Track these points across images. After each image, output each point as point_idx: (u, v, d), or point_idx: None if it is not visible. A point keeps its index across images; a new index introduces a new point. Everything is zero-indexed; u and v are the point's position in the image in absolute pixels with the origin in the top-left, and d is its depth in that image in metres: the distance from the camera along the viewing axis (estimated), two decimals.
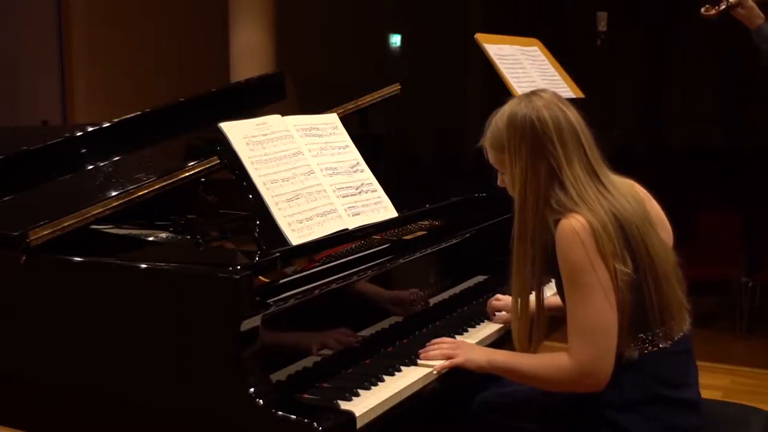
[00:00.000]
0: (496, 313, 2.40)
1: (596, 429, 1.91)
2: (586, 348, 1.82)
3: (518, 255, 1.93)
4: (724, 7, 2.96)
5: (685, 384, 1.94)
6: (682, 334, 1.93)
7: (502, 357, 1.98)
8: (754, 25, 3.00)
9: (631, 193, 1.92)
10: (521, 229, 1.92)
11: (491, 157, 2.00)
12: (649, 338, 1.88)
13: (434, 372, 1.95)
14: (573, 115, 1.92)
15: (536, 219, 1.89)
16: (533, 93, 1.95)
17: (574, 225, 1.81)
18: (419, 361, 1.99)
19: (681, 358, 1.94)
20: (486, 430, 2.06)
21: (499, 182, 2.03)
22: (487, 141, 1.99)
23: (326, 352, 1.94)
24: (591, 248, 1.80)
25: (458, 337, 2.22)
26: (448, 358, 1.98)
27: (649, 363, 1.89)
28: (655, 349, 1.89)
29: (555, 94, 1.96)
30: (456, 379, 2.01)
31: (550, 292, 2.67)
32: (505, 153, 1.92)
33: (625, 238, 1.83)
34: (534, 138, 1.89)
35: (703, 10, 3.02)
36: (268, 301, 1.74)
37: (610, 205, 1.85)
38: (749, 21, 3.00)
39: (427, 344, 2.04)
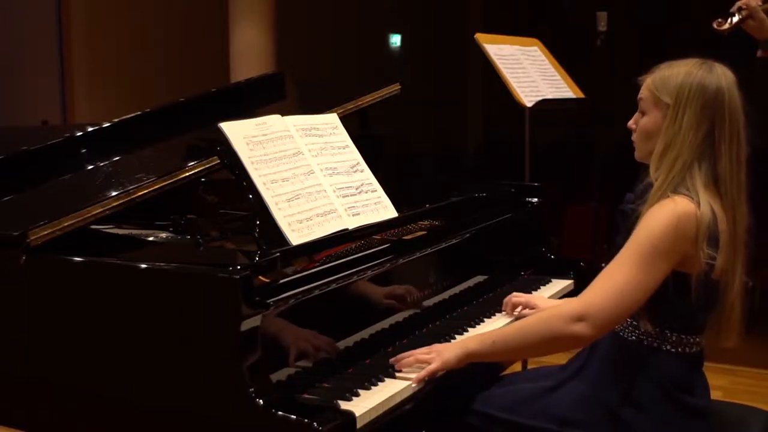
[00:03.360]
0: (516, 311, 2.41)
1: (604, 427, 1.91)
2: (600, 297, 1.82)
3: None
4: (736, 20, 2.94)
5: (696, 390, 1.94)
6: (701, 348, 1.94)
7: (477, 338, 1.97)
8: (764, 37, 2.98)
9: (745, 207, 1.93)
10: (662, 184, 1.87)
11: (645, 95, 1.97)
12: (673, 338, 1.90)
13: (413, 385, 1.88)
14: (739, 104, 1.92)
15: (679, 179, 1.86)
16: (714, 64, 1.94)
17: (678, 206, 1.81)
18: (398, 374, 1.92)
19: (697, 367, 1.95)
20: (488, 429, 2.06)
21: (632, 121, 2.01)
22: (652, 80, 1.96)
23: (326, 352, 1.94)
24: (682, 236, 1.79)
25: (458, 337, 2.22)
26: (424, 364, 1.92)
27: (665, 363, 1.90)
28: (672, 350, 1.90)
29: (731, 74, 1.94)
30: (456, 379, 2.01)
31: (548, 292, 2.68)
32: (671, 103, 1.89)
33: (716, 237, 1.84)
34: (708, 101, 1.88)
35: (715, 24, 3.00)
36: (268, 301, 1.74)
37: (734, 208, 1.87)
38: (759, 33, 2.98)
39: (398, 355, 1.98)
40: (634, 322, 1.91)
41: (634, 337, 1.92)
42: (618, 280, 1.82)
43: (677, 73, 1.92)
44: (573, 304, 1.85)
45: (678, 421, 1.89)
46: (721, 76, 1.91)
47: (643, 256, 1.81)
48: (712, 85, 1.89)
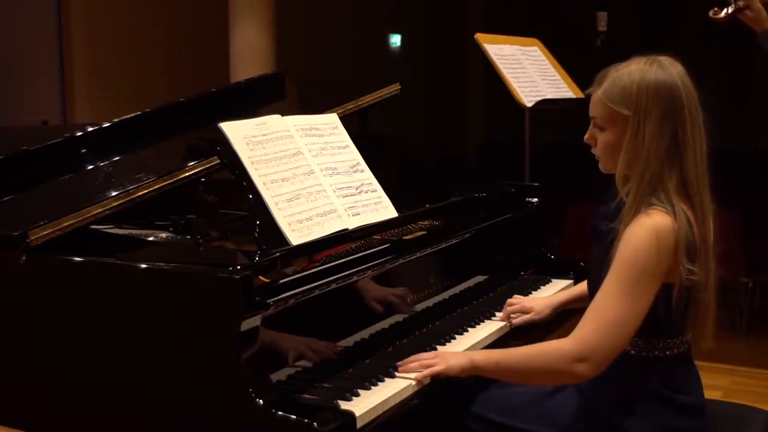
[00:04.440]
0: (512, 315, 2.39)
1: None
2: (596, 335, 1.77)
3: (627, 226, 1.83)
4: (732, 9, 2.94)
5: (688, 389, 1.94)
6: (687, 345, 1.93)
7: (484, 354, 1.95)
8: (762, 28, 2.97)
9: (710, 204, 1.88)
10: (635, 199, 1.81)
11: (599, 111, 1.88)
12: (659, 345, 1.89)
13: (413, 384, 1.88)
14: (695, 95, 1.85)
15: (650, 190, 1.80)
16: (662, 59, 1.86)
17: (656, 222, 1.76)
18: (397, 374, 1.92)
19: (686, 364, 1.95)
20: (486, 430, 2.06)
21: (587, 136, 1.94)
22: (603, 93, 1.86)
23: (326, 352, 1.94)
24: (664, 251, 1.76)
25: (458, 337, 2.22)
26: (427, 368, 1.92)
27: (653, 367, 1.89)
28: (661, 355, 1.89)
29: (680, 65, 1.87)
30: (456, 380, 2.01)
31: (548, 292, 2.68)
32: (631, 114, 1.81)
33: (694, 251, 1.80)
34: (668, 104, 1.80)
35: (711, 12, 2.99)
36: (268, 301, 1.74)
37: (704, 212, 1.82)
38: (757, 24, 2.97)
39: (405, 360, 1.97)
40: None
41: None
42: (611, 313, 1.77)
43: (630, 81, 1.82)
44: (571, 344, 1.80)
45: (674, 421, 1.89)
46: (672, 71, 1.83)
47: (631, 284, 1.76)
48: (668, 84, 1.81)
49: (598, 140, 1.91)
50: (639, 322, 1.79)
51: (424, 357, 1.96)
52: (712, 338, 1.91)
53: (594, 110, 1.90)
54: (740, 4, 2.93)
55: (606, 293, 1.79)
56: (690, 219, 1.80)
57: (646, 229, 1.77)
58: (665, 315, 1.82)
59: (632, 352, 1.89)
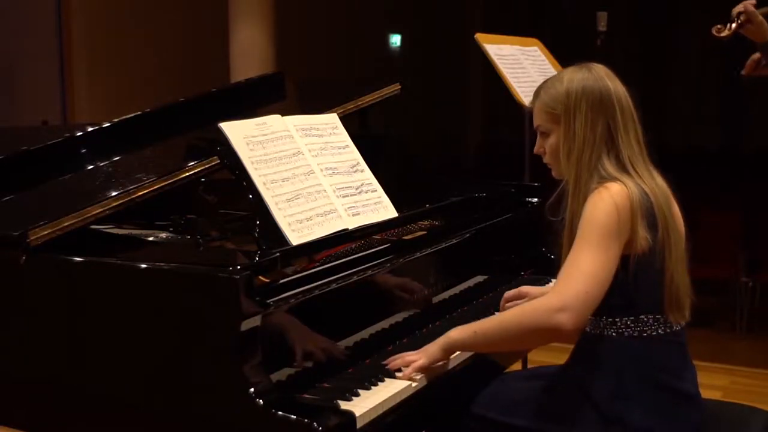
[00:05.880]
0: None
1: (596, 424, 1.92)
2: (572, 285, 1.85)
3: (572, 211, 1.97)
4: (735, 25, 2.97)
5: (683, 375, 1.96)
6: (679, 326, 1.96)
7: (459, 328, 1.99)
8: (764, 39, 3.00)
9: (661, 180, 2.00)
10: (576, 184, 1.97)
11: (541, 118, 2.05)
12: (650, 321, 1.92)
13: (413, 384, 1.90)
14: (624, 91, 2.01)
15: (588, 174, 1.95)
16: (590, 65, 2.03)
17: (612, 191, 1.89)
18: (398, 375, 1.93)
19: (678, 348, 1.97)
20: (486, 429, 2.06)
21: (537, 148, 2.08)
22: (539, 102, 2.04)
23: (326, 352, 1.94)
24: (624, 216, 1.87)
25: None
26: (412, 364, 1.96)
27: (648, 348, 1.92)
28: (654, 334, 1.92)
29: (609, 69, 2.04)
30: (456, 380, 2.01)
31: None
32: (562, 112, 1.98)
33: (652, 216, 1.90)
34: (595, 99, 1.96)
35: (714, 30, 3.03)
36: (268, 301, 1.74)
37: (652, 183, 1.94)
38: (759, 36, 3.00)
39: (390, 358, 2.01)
40: (610, 319, 1.93)
41: (614, 333, 1.94)
42: (583, 266, 1.86)
43: (560, 84, 2.00)
44: (549, 298, 1.87)
45: (673, 410, 1.91)
46: (600, 73, 2.00)
47: (597, 240, 1.87)
48: (595, 84, 1.98)
49: (546, 147, 2.06)
50: (609, 277, 1.86)
51: (408, 355, 1.99)
52: (686, 311, 1.98)
53: (536, 120, 2.06)
54: (742, 18, 2.97)
55: (576, 251, 1.89)
56: (645, 190, 1.92)
57: (602, 197, 1.90)
58: (644, 285, 1.90)
59: (625, 333, 1.92)
